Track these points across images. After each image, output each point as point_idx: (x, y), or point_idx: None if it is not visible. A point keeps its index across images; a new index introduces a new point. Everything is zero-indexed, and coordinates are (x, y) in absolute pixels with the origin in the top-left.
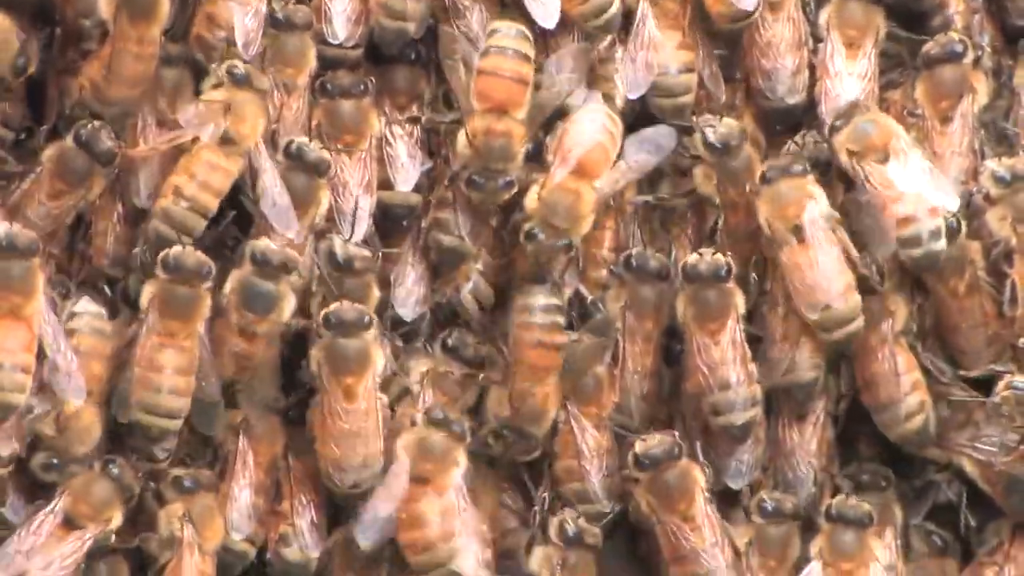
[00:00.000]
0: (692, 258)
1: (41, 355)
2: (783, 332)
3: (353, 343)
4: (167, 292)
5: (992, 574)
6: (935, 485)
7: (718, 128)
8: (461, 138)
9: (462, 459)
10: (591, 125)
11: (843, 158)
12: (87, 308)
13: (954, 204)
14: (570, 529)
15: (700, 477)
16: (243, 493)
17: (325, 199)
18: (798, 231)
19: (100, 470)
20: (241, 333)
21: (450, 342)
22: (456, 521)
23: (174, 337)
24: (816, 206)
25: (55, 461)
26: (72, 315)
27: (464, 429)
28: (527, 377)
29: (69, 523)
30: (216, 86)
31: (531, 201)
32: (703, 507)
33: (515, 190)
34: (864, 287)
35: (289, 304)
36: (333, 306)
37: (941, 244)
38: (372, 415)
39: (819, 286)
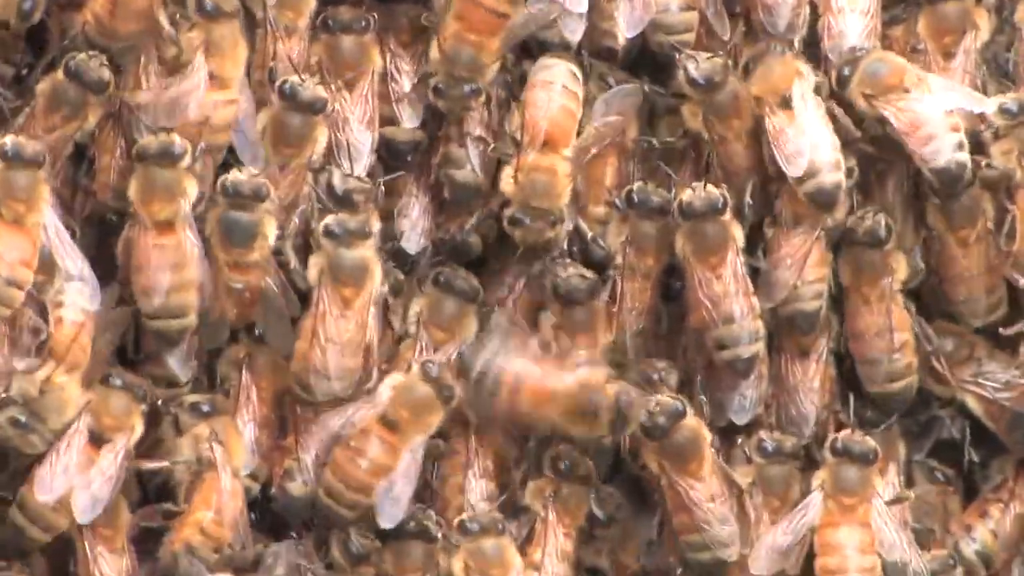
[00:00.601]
0: (687, 194)
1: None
2: (786, 253)
3: (354, 253)
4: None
5: (997, 511)
6: (939, 421)
7: (701, 64)
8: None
9: (437, 420)
10: (550, 92)
11: (861, 104)
12: (74, 288)
13: (991, 107)
14: (563, 463)
15: (707, 434)
16: (246, 428)
17: (322, 137)
18: (786, 102)
19: (106, 386)
20: (233, 268)
21: (442, 277)
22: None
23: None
24: (805, 81)
25: (23, 420)
26: (59, 294)
27: (453, 393)
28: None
29: (97, 440)
30: (191, 27)
31: (507, 186)
32: (711, 463)
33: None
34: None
35: (271, 230)
36: (334, 216)
37: (964, 155)
38: (362, 332)
39: (803, 150)
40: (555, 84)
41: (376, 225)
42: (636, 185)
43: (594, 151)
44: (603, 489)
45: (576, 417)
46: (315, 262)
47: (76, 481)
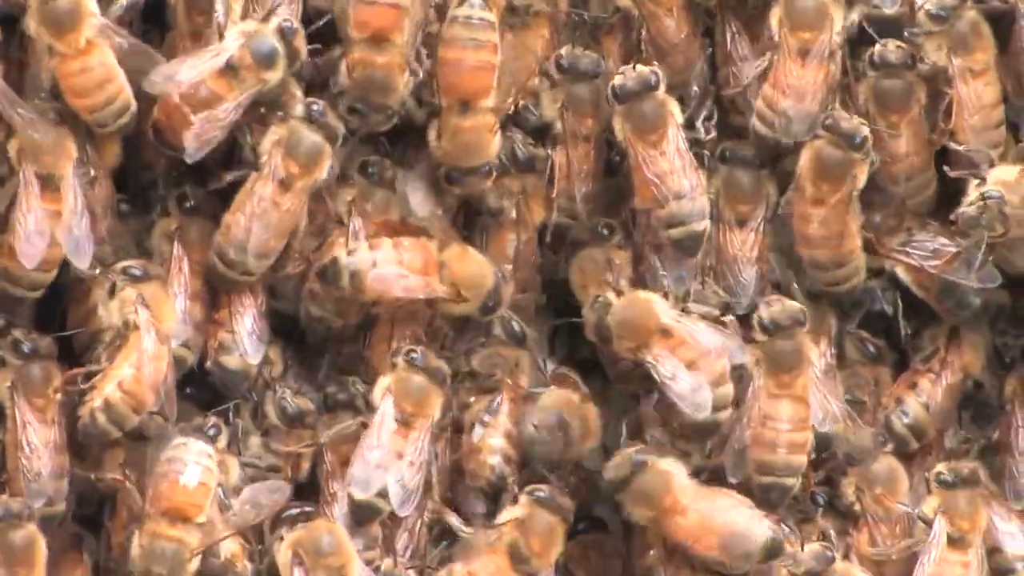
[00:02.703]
0: (618, 77)
1: None
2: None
3: (315, 137)
4: None
5: (928, 381)
6: (869, 292)
7: None
8: None
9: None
10: (463, 44)
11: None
12: None
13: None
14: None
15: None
16: (177, 300)
17: None
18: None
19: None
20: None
21: (371, 168)
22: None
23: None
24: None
25: None
26: None
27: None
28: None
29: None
30: None
31: (436, 149)
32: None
33: None
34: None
35: None
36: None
37: None
38: (294, 215)
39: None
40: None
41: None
42: (563, 49)
43: (516, 95)
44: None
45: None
46: (274, 131)
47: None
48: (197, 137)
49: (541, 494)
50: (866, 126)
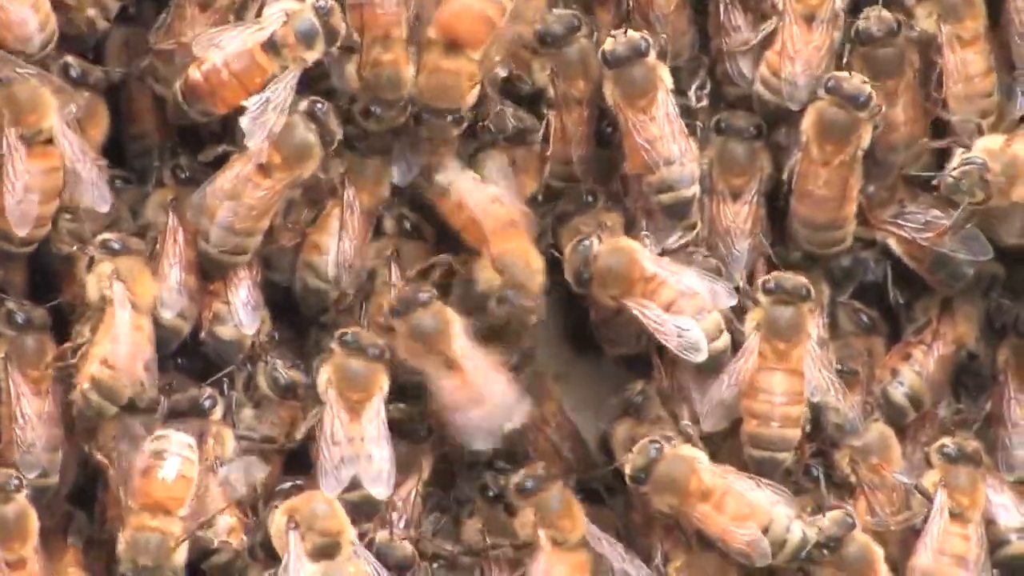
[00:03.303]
0: (608, 42)
1: None
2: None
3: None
4: None
5: (920, 352)
6: (862, 263)
7: None
8: None
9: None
10: None
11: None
12: None
13: None
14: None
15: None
16: (172, 271)
17: None
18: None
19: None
20: None
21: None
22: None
23: None
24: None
25: None
26: None
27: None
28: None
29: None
30: None
31: (413, 86)
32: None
33: None
34: None
35: None
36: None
37: None
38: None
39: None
40: None
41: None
42: (547, 16)
43: (503, 58)
44: None
45: None
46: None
47: None
48: (253, 120)
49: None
50: (868, 84)
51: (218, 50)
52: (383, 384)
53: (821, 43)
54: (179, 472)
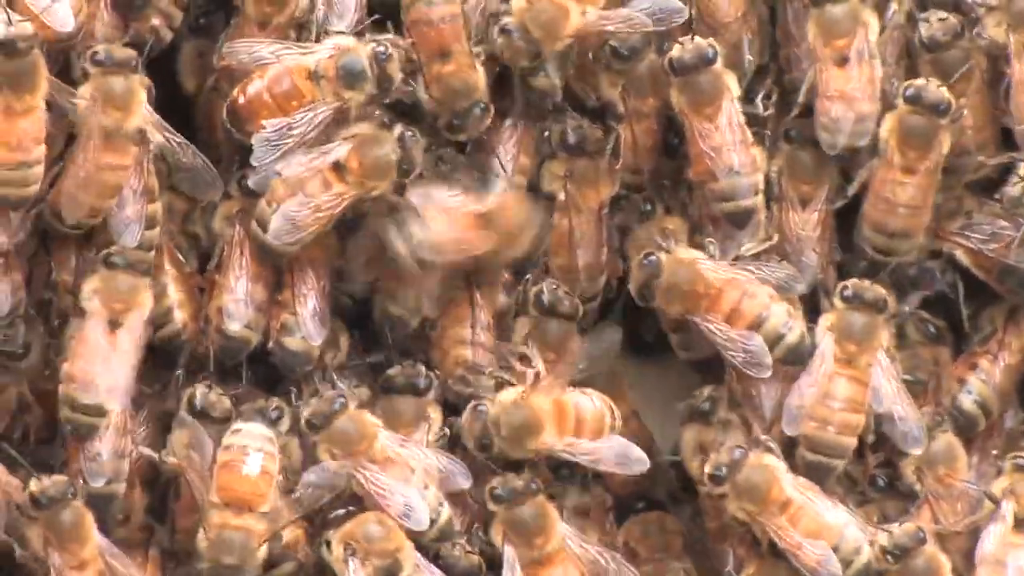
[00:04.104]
0: (676, 49)
1: None
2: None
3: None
4: None
5: (986, 362)
6: (928, 272)
7: None
8: None
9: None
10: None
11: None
12: None
13: None
14: (545, 297)
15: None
16: (239, 282)
17: None
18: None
19: None
20: None
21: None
22: None
23: None
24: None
25: None
26: None
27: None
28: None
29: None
30: None
31: (429, 103)
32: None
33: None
34: None
35: None
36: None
37: None
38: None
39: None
40: None
41: None
42: (613, 38)
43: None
44: None
45: None
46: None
47: None
48: (267, 142)
49: None
50: (946, 89)
51: (253, 60)
52: None
53: (859, 80)
54: (262, 466)
